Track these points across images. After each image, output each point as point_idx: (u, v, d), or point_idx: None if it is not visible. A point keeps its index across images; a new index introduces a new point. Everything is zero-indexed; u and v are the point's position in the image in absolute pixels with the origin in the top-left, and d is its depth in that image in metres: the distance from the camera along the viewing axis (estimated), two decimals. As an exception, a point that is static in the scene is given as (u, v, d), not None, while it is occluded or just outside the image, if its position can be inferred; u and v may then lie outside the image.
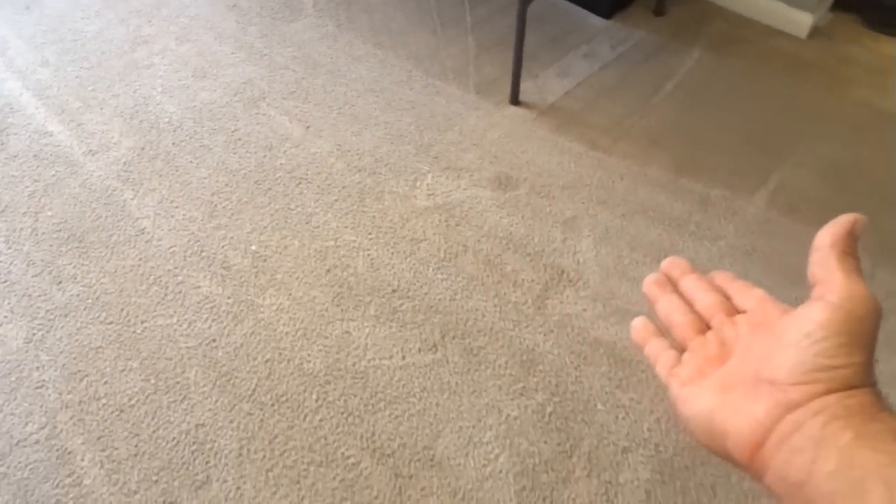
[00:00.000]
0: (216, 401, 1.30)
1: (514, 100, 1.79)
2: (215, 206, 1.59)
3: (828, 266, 0.33)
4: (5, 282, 1.46)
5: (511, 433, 1.24)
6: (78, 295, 1.44)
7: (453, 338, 1.37)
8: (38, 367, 1.34)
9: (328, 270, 1.47)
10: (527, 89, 1.83)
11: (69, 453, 1.24)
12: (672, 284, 0.45)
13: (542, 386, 1.30)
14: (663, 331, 0.44)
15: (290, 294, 1.44)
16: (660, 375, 0.41)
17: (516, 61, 1.73)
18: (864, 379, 0.31)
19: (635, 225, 1.55)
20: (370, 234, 1.53)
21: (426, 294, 1.43)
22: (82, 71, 1.88)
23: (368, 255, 1.50)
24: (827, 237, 0.35)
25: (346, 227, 1.54)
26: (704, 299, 0.42)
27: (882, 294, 1.41)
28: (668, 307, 0.44)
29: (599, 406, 1.28)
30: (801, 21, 1.95)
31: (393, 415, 1.27)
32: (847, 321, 0.31)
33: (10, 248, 1.52)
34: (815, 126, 1.77)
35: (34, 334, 1.38)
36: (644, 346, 0.44)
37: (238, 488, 1.20)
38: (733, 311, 0.41)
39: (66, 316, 1.41)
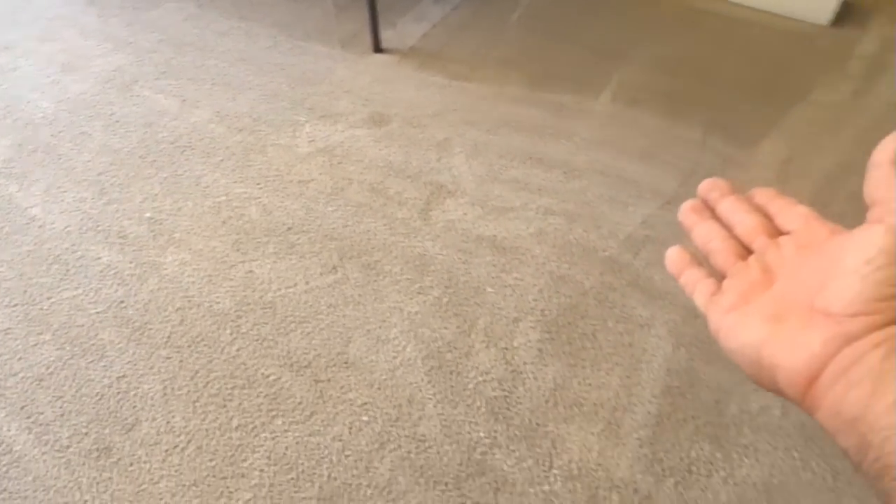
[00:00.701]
0: (133, 353, 1.36)
1: (377, 48, 1.92)
2: (103, 184, 1.63)
3: (888, 185, 0.30)
4: None
5: (414, 326, 1.37)
6: (-22, 286, 1.47)
7: (350, 258, 1.48)
8: (-52, 357, 1.36)
9: (224, 222, 1.55)
10: (388, 37, 1.95)
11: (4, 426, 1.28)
12: (710, 210, 0.42)
13: (436, 283, 1.43)
14: (700, 259, 0.41)
15: (191, 248, 1.51)
16: (698, 305, 0.39)
17: (371, 11, 1.85)
18: None
19: (500, 136, 1.70)
20: (259, 184, 1.62)
21: (320, 226, 1.54)
22: (-56, 84, 1.88)
23: (260, 202, 1.59)
24: (885, 153, 0.31)
25: (235, 181, 1.63)
26: (745, 221, 0.40)
27: (717, 160, 1.62)
28: (706, 233, 0.41)
29: (489, 289, 1.42)
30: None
31: (304, 332, 1.37)
32: None
33: None
34: (646, 30, 1.98)
35: (-61, 329, 1.40)
36: (679, 275, 0.41)
37: (168, 422, 1.27)
38: (776, 232, 0.39)
39: (-32, 307, 1.44)
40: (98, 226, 1.55)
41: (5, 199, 1.61)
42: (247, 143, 1.70)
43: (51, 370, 1.34)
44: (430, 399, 1.27)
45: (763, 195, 0.41)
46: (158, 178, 1.63)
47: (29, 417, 1.28)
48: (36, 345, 1.37)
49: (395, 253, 1.48)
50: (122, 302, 1.43)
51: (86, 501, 1.19)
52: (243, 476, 1.19)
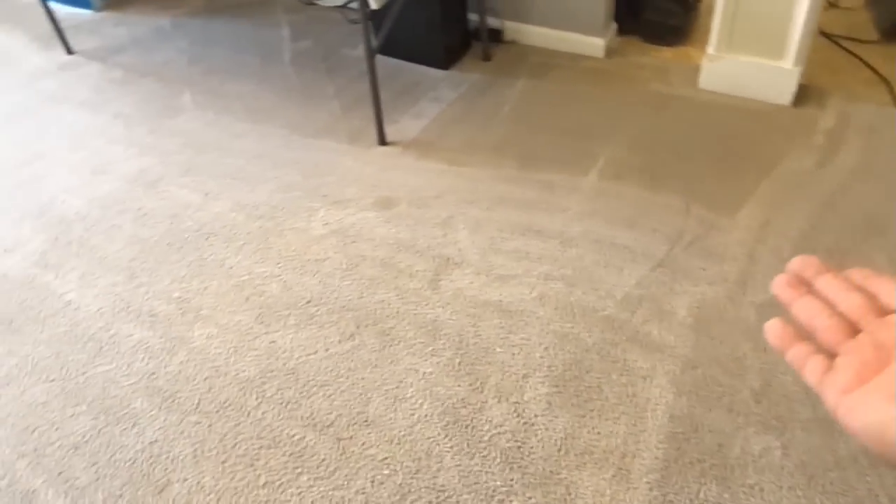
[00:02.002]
0: (164, 419, 1.43)
1: (382, 141, 2.10)
2: (134, 269, 1.76)
3: None
4: (-59, 370, 1.55)
5: (429, 385, 1.45)
6: (16, 365, 1.55)
7: (366, 326, 1.58)
8: (-13, 432, 1.44)
9: (247, 298, 1.66)
10: (391, 132, 2.14)
11: (33, 492, 1.34)
12: (805, 285, 0.42)
13: (448, 345, 1.53)
14: (804, 334, 0.41)
15: (217, 323, 1.61)
16: (810, 383, 0.39)
17: (376, 108, 2.04)
18: None
19: (498, 212, 1.85)
20: (278, 263, 1.75)
21: (336, 298, 1.65)
22: (-17, 188, 2.03)
23: (280, 279, 1.71)
24: None
25: (257, 262, 1.75)
26: (849, 299, 0.39)
27: (700, 225, 1.76)
28: (809, 309, 0.40)
29: (498, 349, 1.52)
30: (596, 45, 2.40)
31: (326, 394, 1.45)
32: None
33: (-60, 342, 1.62)
34: (622, 115, 2.18)
35: (-22, 407, 1.48)
36: (786, 350, 0.41)
37: (198, 482, 1.33)
38: (882, 310, 0.38)
39: (7, 385, 1.52)
40: (129, 306, 1.66)
41: (43, 287, 1.73)
42: (266, 228, 1.84)
43: (86, 439, 1.41)
44: (448, 451, 1.34)
45: (859, 274, 0.41)
46: (185, 262, 1.76)
47: (66, 483, 1.34)
48: (72, 416, 1.45)
49: (407, 320, 1.59)
50: (153, 373, 1.52)
51: (121, 561, 1.23)
52: (273, 528, 1.24)
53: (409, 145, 2.12)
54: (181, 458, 1.37)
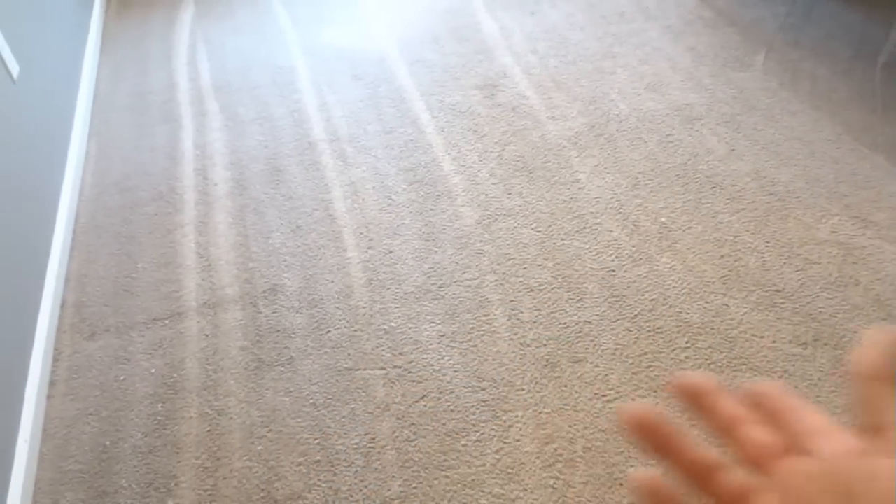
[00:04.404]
0: (604, 311, 1.58)
1: (945, 184, 1.82)
2: (638, 181, 1.90)
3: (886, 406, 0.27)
4: (473, 181, 1.93)
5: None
6: (520, 205, 1.85)
7: (825, 345, 1.47)
8: (481, 241, 1.76)
9: (722, 256, 1.68)
10: (960, 181, 1.85)
11: (488, 302, 1.62)
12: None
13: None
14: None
15: (684, 262, 1.67)
16: None
17: (962, 147, 1.77)
18: None
19: None
20: (767, 242, 1.70)
21: (808, 304, 1.55)
22: (560, 64, 2.37)
23: (761, 257, 1.67)
24: (863, 367, 0.28)
25: (747, 230, 1.74)
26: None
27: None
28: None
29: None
30: None
31: (753, 378, 1.42)
32: None
33: (481, 161, 2.00)
34: None
35: (483, 220, 1.82)
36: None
37: (605, 375, 1.45)
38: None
39: (508, 216, 1.82)
40: (621, 208, 1.82)
41: (564, 159, 1.98)
42: (772, 205, 1.80)
43: (541, 287, 1.64)
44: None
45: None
46: (683, 198, 1.83)
47: (513, 310, 1.59)
48: (539, 266, 1.69)
49: (874, 365, 1.42)
50: (613, 271, 1.66)
51: (522, 390, 1.44)
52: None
53: (976, 203, 1.80)
54: (603, 347, 1.50)
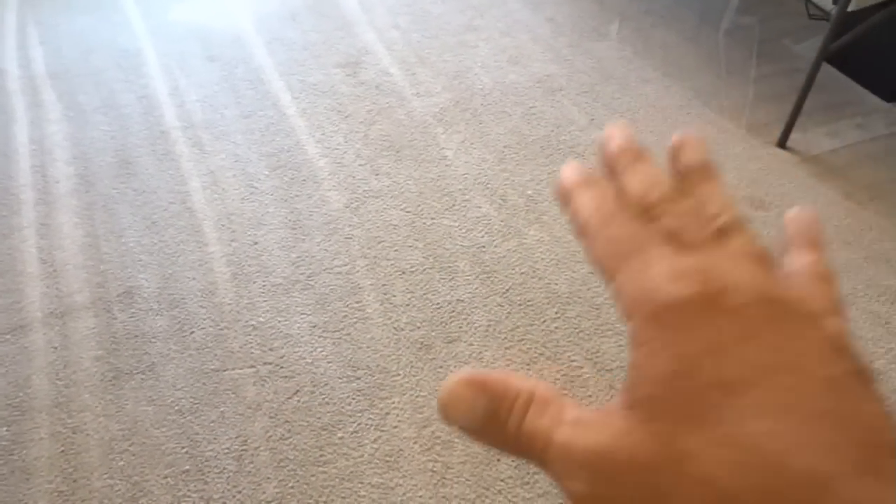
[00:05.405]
0: (476, 288, 1.58)
1: (782, 143, 1.95)
2: (504, 155, 1.91)
3: None
4: (339, 164, 1.87)
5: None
6: (388, 186, 1.82)
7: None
8: (349, 226, 1.72)
9: (586, 225, 1.72)
10: (795, 139, 1.98)
11: (360, 288, 1.58)
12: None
13: None
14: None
15: (552, 233, 1.70)
16: None
17: (796, 109, 1.89)
18: None
19: (874, 269, 1.63)
20: (628, 209, 1.76)
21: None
22: (423, 39, 2.33)
23: (623, 223, 1.73)
24: None
25: (609, 198, 1.79)
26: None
27: None
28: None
29: None
30: None
31: (619, 343, 1.47)
32: None
33: (346, 142, 1.94)
34: None
35: (351, 203, 1.77)
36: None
37: (479, 353, 1.46)
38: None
39: (377, 197, 1.79)
40: (489, 183, 1.82)
41: (431, 136, 1.96)
42: (631, 173, 1.86)
43: (413, 269, 1.62)
44: None
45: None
46: (549, 169, 1.86)
47: (385, 295, 1.56)
48: (410, 247, 1.67)
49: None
50: (483, 247, 1.66)
51: (398, 375, 1.42)
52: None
53: (808, 160, 1.94)
54: (476, 325, 1.51)
